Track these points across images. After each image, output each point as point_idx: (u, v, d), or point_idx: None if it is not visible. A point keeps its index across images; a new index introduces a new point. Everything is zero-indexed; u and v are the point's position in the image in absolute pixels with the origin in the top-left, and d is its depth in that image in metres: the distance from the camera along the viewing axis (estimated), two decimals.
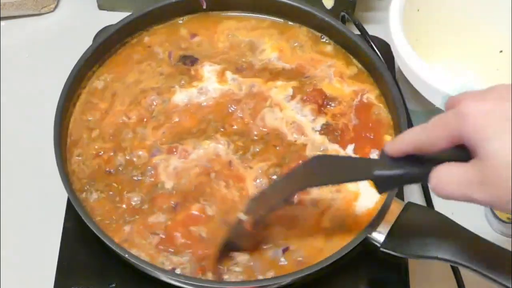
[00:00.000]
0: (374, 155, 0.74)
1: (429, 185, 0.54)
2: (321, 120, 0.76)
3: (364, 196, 0.71)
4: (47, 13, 0.95)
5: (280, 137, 0.75)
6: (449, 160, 0.53)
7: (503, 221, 0.78)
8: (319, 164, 0.65)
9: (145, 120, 0.76)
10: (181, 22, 0.83)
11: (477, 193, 0.52)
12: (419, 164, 0.55)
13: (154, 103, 0.77)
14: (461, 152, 0.52)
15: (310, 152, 0.74)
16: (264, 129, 0.75)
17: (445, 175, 0.53)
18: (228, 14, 0.83)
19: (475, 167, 0.51)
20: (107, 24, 0.83)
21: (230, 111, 0.77)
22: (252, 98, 0.77)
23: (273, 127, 0.75)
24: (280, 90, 0.78)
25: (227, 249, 0.68)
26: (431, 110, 0.76)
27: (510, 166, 0.49)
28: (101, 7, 0.95)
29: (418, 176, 0.56)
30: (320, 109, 0.76)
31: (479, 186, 0.51)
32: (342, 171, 0.62)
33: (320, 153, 0.74)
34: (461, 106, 0.52)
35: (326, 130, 0.75)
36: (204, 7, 0.83)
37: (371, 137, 0.75)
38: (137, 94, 0.78)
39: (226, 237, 0.68)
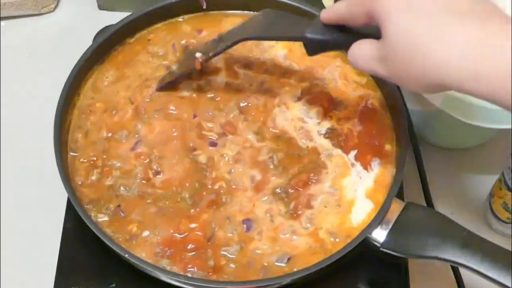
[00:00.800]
0: (376, 163, 0.74)
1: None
2: (327, 124, 0.76)
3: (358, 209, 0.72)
4: (47, 13, 0.95)
5: (292, 142, 0.75)
6: (370, 35, 0.58)
7: (503, 221, 0.78)
8: (265, 17, 0.70)
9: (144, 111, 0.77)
10: (181, 20, 0.83)
11: (380, 69, 0.56)
12: (345, 35, 0.61)
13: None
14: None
15: (324, 158, 0.74)
16: (275, 130, 0.76)
17: (357, 50, 0.58)
18: (228, 13, 0.83)
19: (379, 44, 0.56)
20: (107, 24, 0.83)
21: (241, 105, 0.77)
22: (263, 94, 0.77)
23: (283, 129, 0.76)
24: (291, 89, 0.78)
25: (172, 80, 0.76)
26: (431, 110, 0.76)
27: (405, 46, 0.53)
28: (101, 7, 0.95)
29: (342, 45, 0.61)
30: (326, 113, 0.76)
31: (381, 62, 0.56)
32: (281, 28, 0.68)
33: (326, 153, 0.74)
34: None
35: (331, 134, 0.75)
36: (204, 7, 0.83)
37: (375, 144, 0.75)
38: (140, 83, 0.78)
39: (177, 70, 0.76)
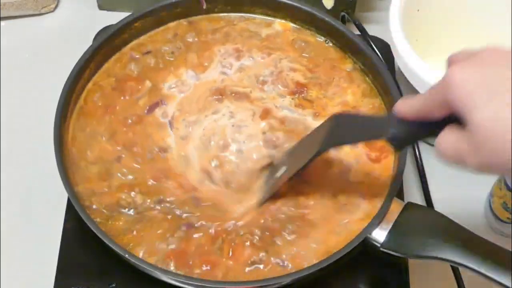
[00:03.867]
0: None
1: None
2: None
3: None
4: (47, 13, 0.95)
5: None
6: (454, 120, 0.53)
7: (503, 221, 0.78)
8: (338, 123, 0.65)
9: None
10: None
11: (470, 159, 0.52)
12: (429, 125, 0.56)
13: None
14: None
15: None
16: None
17: (444, 141, 0.54)
18: (228, 15, 0.83)
19: (467, 134, 0.51)
20: (107, 24, 0.83)
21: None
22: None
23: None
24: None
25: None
26: None
27: (495, 135, 0.49)
28: (101, 7, 0.95)
29: (429, 135, 0.57)
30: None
31: (470, 153, 0.52)
32: (360, 130, 0.64)
33: None
34: (448, 72, 0.52)
35: None
36: (204, 7, 0.83)
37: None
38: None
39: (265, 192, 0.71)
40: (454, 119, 0.53)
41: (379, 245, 0.67)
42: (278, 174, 0.70)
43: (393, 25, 0.78)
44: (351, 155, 0.74)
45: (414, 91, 0.76)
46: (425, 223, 0.67)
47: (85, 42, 0.79)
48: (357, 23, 0.85)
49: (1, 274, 0.75)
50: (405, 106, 0.57)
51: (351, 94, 0.78)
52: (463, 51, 0.54)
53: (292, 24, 0.83)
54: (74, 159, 0.73)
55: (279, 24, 0.83)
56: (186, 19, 0.83)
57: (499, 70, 0.50)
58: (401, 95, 0.76)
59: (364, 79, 0.79)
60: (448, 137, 0.54)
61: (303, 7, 0.81)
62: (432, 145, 0.83)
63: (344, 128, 0.65)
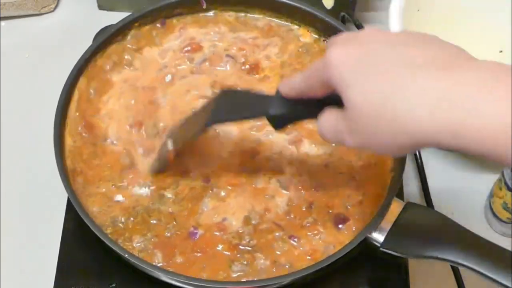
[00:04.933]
0: None
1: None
2: None
3: None
4: (47, 13, 0.95)
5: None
6: (333, 102, 0.54)
7: (503, 221, 0.78)
8: (225, 99, 0.67)
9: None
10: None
11: (348, 140, 0.53)
12: (308, 106, 0.58)
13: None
14: None
15: None
16: None
17: (324, 121, 0.55)
18: (228, 14, 0.83)
19: (344, 114, 0.52)
20: (107, 24, 0.83)
21: None
22: None
23: None
24: None
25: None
26: None
27: (369, 112, 0.50)
28: (101, 7, 0.95)
29: (308, 117, 0.59)
30: None
31: (348, 134, 0.53)
32: (243, 108, 0.65)
33: None
34: (327, 52, 0.52)
35: None
36: (204, 7, 0.83)
37: None
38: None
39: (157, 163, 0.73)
40: (335, 101, 0.54)
41: (379, 245, 0.67)
42: (168, 146, 0.71)
43: (393, 25, 0.78)
44: None
45: None
46: (425, 223, 0.67)
47: (85, 42, 0.79)
48: (357, 23, 0.85)
49: (1, 274, 0.75)
50: (287, 85, 0.58)
51: None
52: (344, 34, 0.55)
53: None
54: None
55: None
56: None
57: (375, 47, 0.51)
58: None
59: None
60: (327, 117, 0.55)
61: (303, 7, 0.81)
62: None
63: (229, 104, 0.66)
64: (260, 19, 0.83)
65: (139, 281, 0.69)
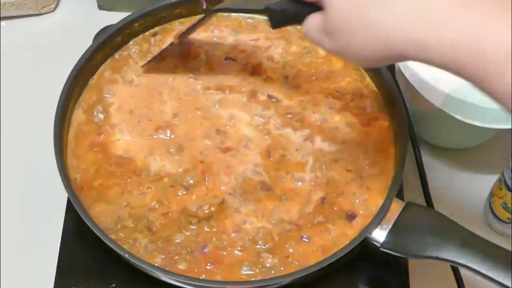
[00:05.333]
0: None
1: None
2: None
3: None
4: (47, 13, 0.95)
5: None
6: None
7: (503, 221, 0.78)
8: None
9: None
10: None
11: (326, 42, 0.57)
12: (303, 6, 0.61)
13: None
14: None
15: None
16: None
17: (310, 22, 0.59)
18: (228, 14, 0.83)
19: (324, 17, 0.56)
20: (107, 24, 0.83)
21: None
22: None
23: None
24: None
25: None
26: (431, 110, 0.76)
27: (344, 17, 0.53)
28: (101, 7, 0.95)
29: (302, 17, 0.62)
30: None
31: (327, 36, 0.56)
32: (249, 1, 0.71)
33: None
34: None
35: None
36: (204, 7, 0.83)
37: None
38: None
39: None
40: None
41: (379, 245, 0.67)
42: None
43: None
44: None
45: (414, 91, 0.76)
46: (425, 223, 0.67)
47: (85, 42, 0.79)
48: None
49: (1, 274, 0.75)
50: None
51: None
52: None
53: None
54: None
55: None
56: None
57: None
58: (401, 95, 0.76)
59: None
60: (312, 18, 0.59)
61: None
62: (432, 145, 0.83)
63: None
64: (260, 19, 0.83)
65: (139, 281, 0.69)
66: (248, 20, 0.83)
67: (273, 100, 0.78)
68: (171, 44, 0.78)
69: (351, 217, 0.70)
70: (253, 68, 0.80)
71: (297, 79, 0.79)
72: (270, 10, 0.65)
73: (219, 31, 0.82)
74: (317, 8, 0.59)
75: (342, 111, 0.77)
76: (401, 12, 0.50)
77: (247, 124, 0.76)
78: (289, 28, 0.82)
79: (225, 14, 0.83)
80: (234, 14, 0.83)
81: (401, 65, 0.77)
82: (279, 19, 0.66)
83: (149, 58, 0.79)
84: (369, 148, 0.75)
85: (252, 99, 0.78)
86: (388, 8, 0.51)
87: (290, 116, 0.77)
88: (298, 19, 0.63)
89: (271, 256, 0.68)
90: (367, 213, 0.70)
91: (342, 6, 0.53)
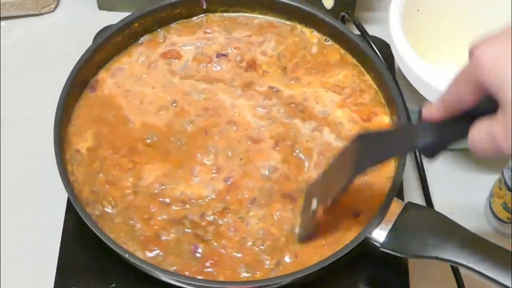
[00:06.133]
0: None
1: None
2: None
3: None
4: (47, 13, 0.95)
5: None
6: (482, 110, 0.51)
7: (503, 221, 0.78)
8: (365, 143, 0.62)
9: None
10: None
11: (505, 144, 0.49)
12: (461, 123, 0.54)
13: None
14: (495, 102, 0.50)
15: None
16: None
17: (476, 133, 0.52)
18: (228, 15, 0.83)
19: (498, 117, 0.49)
20: (107, 24, 0.83)
21: None
22: None
23: None
24: None
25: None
26: None
27: None
28: (101, 7, 0.95)
29: (461, 135, 0.54)
30: None
31: (506, 137, 0.49)
32: (389, 147, 0.61)
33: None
34: (474, 53, 0.50)
35: None
36: (204, 7, 0.83)
37: None
38: None
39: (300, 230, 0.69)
40: (484, 111, 0.51)
41: (379, 245, 0.67)
42: (313, 206, 0.67)
43: (393, 25, 0.78)
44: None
45: (414, 91, 0.76)
46: (425, 223, 0.67)
47: (85, 42, 0.79)
48: (357, 23, 0.85)
49: (1, 274, 0.75)
50: (432, 106, 0.56)
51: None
52: (484, 36, 0.52)
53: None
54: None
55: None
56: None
57: None
58: (401, 94, 0.76)
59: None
60: (479, 128, 0.52)
61: (302, 7, 0.81)
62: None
63: (373, 147, 0.62)
64: (260, 19, 0.83)
65: (139, 281, 0.69)
66: (240, 18, 0.83)
67: (274, 90, 0.78)
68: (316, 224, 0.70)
69: (356, 214, 0.70)
70: (248, 64, 0.80)
71: (296, 72, 0.80)
72: (424, 150, 0.57)
73: (211, 31, 0.82)
74: (474, 117, 0.52)
75: (343, 106, 0.77)
76: None
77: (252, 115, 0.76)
78: (280, 23, 0.82)
79: (217, 14, 0.83)
80: (225, 14, 0.83)
81: (401, 65, 0.77)
82: (434, 150, 0.57)
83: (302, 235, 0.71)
84: None
85: (248, 90, 0.78)
86: None
87: (293, 106, 0.77)
88: (457, 139, 0.56)
89: (269, 258, 0.68)
90: (369, 212, 0.70)
91: None
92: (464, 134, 0.54)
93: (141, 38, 0.82)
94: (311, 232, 0.69)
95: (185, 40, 0.81)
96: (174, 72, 0.80)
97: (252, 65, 0.80)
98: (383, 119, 0.77)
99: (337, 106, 0.77)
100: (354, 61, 0.80)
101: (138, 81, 0.79)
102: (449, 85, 0.54)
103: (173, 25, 0.82)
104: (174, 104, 0.77)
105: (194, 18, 0.83)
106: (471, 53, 0.51)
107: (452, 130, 0.55)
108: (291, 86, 0.79)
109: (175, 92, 0.78)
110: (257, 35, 0.82)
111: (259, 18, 0.83)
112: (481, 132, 0.51)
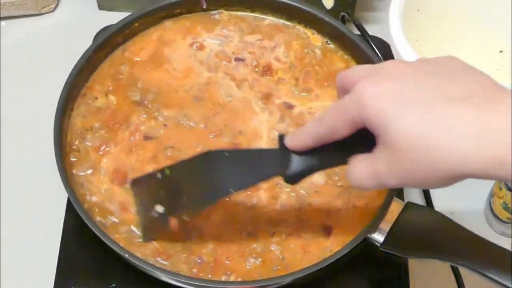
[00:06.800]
0: None
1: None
2: None
3: None
4: (47, 13, 0.95)
5: None
6: (357, 144, 0.53)
7: (503, 221, 0.78)
8: (221, 163, 0.61)
9: None
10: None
11: (391, 180, 0.52)
12: (329, 152, 0.55)
13: None
14: (367, 135, 0.52)
15: None
16: None
17: (356, 169, 0.54)
18: (229, 14, 0.83)
19: (381, 154, 0.51)
20: (107, 24, 0.83)
21: None
22: None
23: None
24: None
25: None
26: None
27: (413, 149, 0.49)
28: (101, 7, 0.95)
29: (330, 165, 0.57)
30: None
31: (390, 174, 0.51)
32: (253, 170, 0.60)
33: None
34: (357, 89, 0.51)
35: None
36: (204, 7, 0.83)
37: None
38: None
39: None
40: (357, 142, 0.53)
41: (379, 245, 0.67)
42: (159, 210, 0.66)
43: (393, 25, 0.78)
44: None
45: None
46: (425, 223, 0.67)
47: (85, 42, 0.79)
48: (357, 23, 0.85)
49: (1, 274, 0.75)
50: (298, 137, 0.57)
51: None
52: (365, 67, 0.54)
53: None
54: None
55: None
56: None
57: (408, 81, 0.51)
58: None
59: None
60: (360, 163, 0.54)
61: (302, 7, 0.81)
62: None
63: (232, 168, 0.60)
64: (262, 19, 0.83)
65: (139, 281, 0.69)
66: (251, 19, 0.83)
67: (287, 106, 0.77)
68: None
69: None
70: (264, 69, 0.80)
71: (308, 82, 0.79)
72: (288, 178, 0.57)
73: (227, 31, 0.82)
74: (347, 149, 0.54)
75: None
76: (474, 133, 0.47)
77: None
78: (285, 25, 0.82)
79: (232, 13, 0.83)
80: (240, 13, 0.83)
81: None
82: (298, 177, 0.58)
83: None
84: None
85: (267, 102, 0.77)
86: (457, 130, 0.48)
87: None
88: (324, 168, 0.57)
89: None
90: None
91: (406, 135, 0.49)
92: (335, 163, 0.56)
93: None
94: (158, 235, 0.68)
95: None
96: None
97: (268, 70, 0.79)
98: None
99: None
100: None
101: None
102: (321, 117, 0.55)
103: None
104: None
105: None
106: (354, 87, 0.52)
107: (322, 158, 0.56)
108: (302, 100, 0.78)
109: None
110: (268, 39, 0.82)
111: (260, 17, 0.83)
112: (362, 168, 0.53)
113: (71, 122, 0.75)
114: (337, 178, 0.72)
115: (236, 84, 0.78)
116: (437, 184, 0.51)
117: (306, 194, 0.71)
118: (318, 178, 0.71)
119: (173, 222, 0.66)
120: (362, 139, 0.53)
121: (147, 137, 0.74)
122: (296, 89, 0.78)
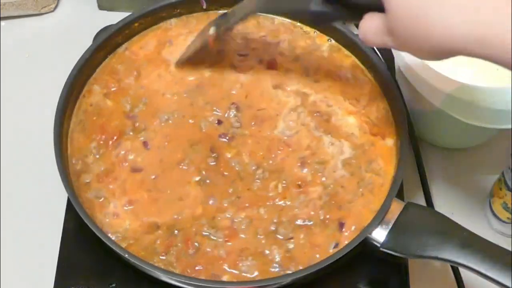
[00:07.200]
0: None
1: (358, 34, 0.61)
2: None
3: None
4: (47, 13, 0.95)
5: None
6: (372, 6, 0.58)
7: (503, 221, 0.78)
8: None
9: None
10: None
11: (389, 41, 0.58)
12: (347, 8, 0.62)
13: None
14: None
15: None
16: None
17: (366, 25, 0.60)
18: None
19: (385, 17, 0.57)
20: (107, 24, 0.83)
21: None
22: None
23: None
24: None
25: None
26: (431, 110, 0.76)
27: (408, 15, 0.54)
28: (101, 7, 0.95)
29: (346, 18, 0.65)
30: None
31: (389, 35, 0.57)
32: (287, 2, 0.70)
33: None
34: None
35: None
36: (204, 7, 0.83)
37: None
38: None
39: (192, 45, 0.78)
40: (374, 8, 0.58)
41: (379, 245, 0.67)
42: (210, 31, 0.75)
43: None
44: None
45: (414, 91, 0.76)
46: (425, 223, 0.67)
47: (85, 42, 0.79)
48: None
49: (1, 274, 0.75)
50: None
51: None
52: None
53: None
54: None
55: None
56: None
57: None
58: (401, 94, 0.76)
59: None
60: (369, 20, 0.59)
61: None
62: (432, 145, 0.83)
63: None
64: (264, 17, 0.83)
65: (139, 281, 0.69)
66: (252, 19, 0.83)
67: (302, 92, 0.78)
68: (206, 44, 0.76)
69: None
70: (268, 63, 0.80)
71: (318, 74, 0.79)
72: (311, 14, 0.65)
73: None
74: (363, 9, 0.59)
75: (356, 115, 0.77)
76: (462, 9, 0.51)
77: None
78: (290, 24, 0.82)
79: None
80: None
81: (401, 65, 0.77)
82: (321, 20, 0.67)
83: (182, 56, 0.79)
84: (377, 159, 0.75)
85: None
86: (449, 5, 0.52)
87: (317, 114, 0.77)
88: (342, 19, 0.65)
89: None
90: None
91: (404, 4, 0.54)
92: (351, 18, 0.65)
93: None
94: (191, 54, 0.77)
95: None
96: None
97: (273, 64, 0.80)
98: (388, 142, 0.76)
99: (352, 115, 0.77)
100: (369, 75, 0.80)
101: None
102: None
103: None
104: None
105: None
106: None
107: (343, 10, 0.62)
108: (316, 89, 0.78)
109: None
110: (272, 37, 0.82)
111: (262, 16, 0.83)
112: (370, 24, 0.59)
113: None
114: None
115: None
116: (428, 56, 0.56)
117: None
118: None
119: (212, 36, 0.74)
120: (378, 5, 0.58)
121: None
122: (306, 79, 0.79)
